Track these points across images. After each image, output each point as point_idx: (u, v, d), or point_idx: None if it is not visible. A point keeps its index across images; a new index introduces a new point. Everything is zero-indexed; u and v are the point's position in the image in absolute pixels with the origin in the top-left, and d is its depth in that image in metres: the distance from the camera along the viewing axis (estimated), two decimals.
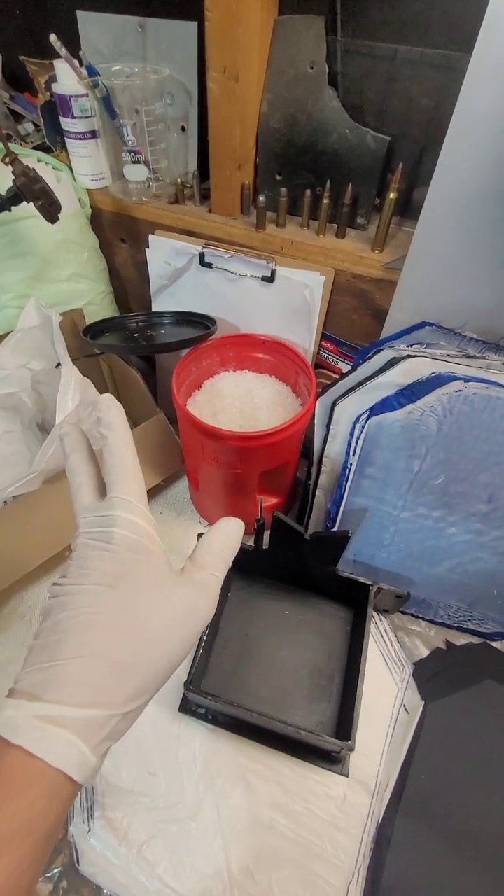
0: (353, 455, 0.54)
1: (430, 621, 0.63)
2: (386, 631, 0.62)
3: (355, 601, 0.61)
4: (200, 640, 0.53)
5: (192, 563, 0.29)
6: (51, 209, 0.49)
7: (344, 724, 0.51)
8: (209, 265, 0.62)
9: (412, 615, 0.63)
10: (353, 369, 0.54)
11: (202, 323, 0.65)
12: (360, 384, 0.53)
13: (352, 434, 0.53)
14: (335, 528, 0.60)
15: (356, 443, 0.53)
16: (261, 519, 0.53)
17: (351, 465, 0.55)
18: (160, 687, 0.25)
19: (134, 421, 0.76)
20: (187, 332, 0.64)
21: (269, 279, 0.59)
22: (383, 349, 0.51)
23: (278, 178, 0.58)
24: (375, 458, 0.54)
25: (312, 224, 0.59)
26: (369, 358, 0.52)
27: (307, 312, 0.61)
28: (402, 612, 0.64)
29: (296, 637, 0.60)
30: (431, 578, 0.59)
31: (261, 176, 0.59)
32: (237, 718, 0.52)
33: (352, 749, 0.46)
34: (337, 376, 0.68)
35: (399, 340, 0.54)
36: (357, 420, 0.53)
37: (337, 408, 0.55)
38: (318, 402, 0.57)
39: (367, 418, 0.52)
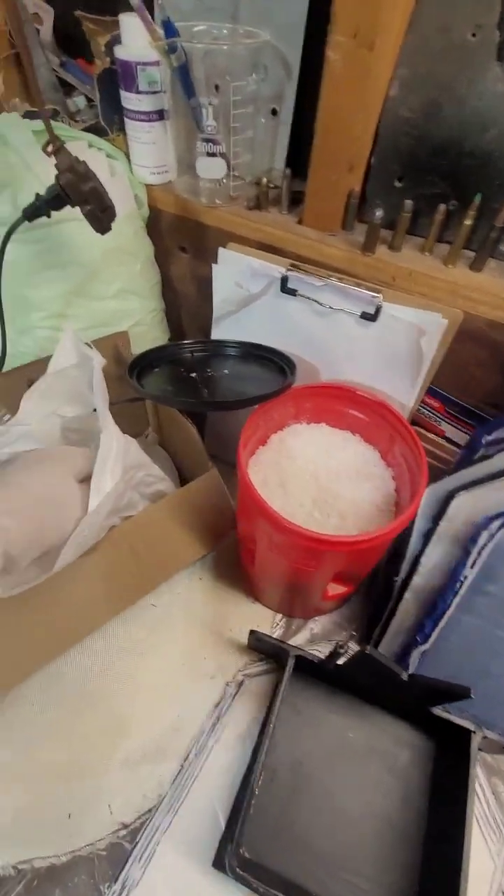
0: (472, 567, 0.41)
1: None
2: (477, 776, 0.49)
3: (440, 730, 0.47)
4: (249, 771, 0.42)
5: None
6: (102, 216, 0.37)
7: None
8: (292, 292, 0.48)
9: None
10: (486, 454, 0.40)
11: (274, 361, 0.52)
12: (495, 478, 0.39)
13: (474, 541, 0.40)
14: (427, 646, 0.46)
15: (478, 553, 0.40)
16: (344, 647, 0.41)
17: (465, 577, 0.41)
18: None
19: (181, 472, 0.63)
20: (257, 373, 0.51)
21: (371, 317, 0.46)
22: None
23: (398, 185, 0.44)
24: (502, 575, 0.40)
25: (437, 249, 0.44)
26: None
27: (414, 361, 0.47)
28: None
29: (362, 771, 0.47)
30: None
31: (374, 181, 0.45)
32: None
33: None
34: (438, 439, 0.54)
35: None
36: (486, 526, 0.39)
37: (454, 502, 0.41)
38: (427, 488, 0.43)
39: (501, 526, 0.38)
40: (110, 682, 0.53)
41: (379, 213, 0.41)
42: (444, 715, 0.44)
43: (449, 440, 0.52)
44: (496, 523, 0.38)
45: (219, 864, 0.43)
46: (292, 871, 0.42)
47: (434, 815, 0.45)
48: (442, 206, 0.41)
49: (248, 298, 0.51)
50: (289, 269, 0.47)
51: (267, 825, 0.45)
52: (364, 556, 0.44)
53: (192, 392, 0.44)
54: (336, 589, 0.52)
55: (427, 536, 0.44)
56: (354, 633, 0.59)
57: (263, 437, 0.52)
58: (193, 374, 0.49)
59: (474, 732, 0.43)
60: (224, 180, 0.49)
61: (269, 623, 0.59)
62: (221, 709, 0.52)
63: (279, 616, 0.60)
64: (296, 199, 0.49)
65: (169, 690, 0.53)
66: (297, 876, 0.42)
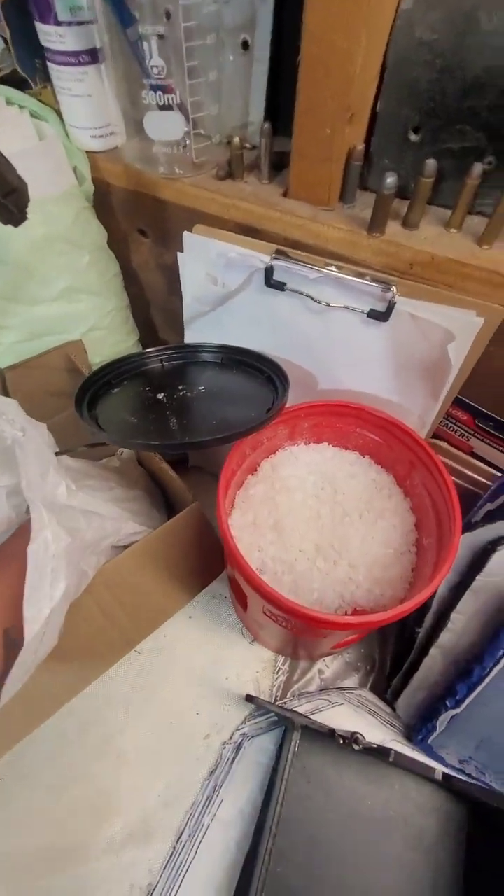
0: None
1: None
2: None
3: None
4: (254, 853, 0.35)
5: None
6: (7, 202, 0.26)
7: None
8: (280, 286, 0.38)
9: None
10: None
11: (261, 370, 0.42)
12: None
13: None
14: (458, 710, 0.39)
15: None
16: (360, 743, 0.33)
17: None
18: None
19: (164, 490, 0.54)
20: (240, 388, 0.41)
21: (381, 315, 0.36)
22: None
23: (414, 138, 0.33)
24: None
25: (469, 224, 0.34)
26: None
27: (438, 370, 0.37)
28: None
29: (383, 847, 0.41)
30: None
31: (382, 134, 0.34)
32: None
33: None
34: (464, 456, 0.45)
35: None
36: None
37: (496, 556, 0.32)
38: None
39: None
40: (88, 749, 0.46)
41: (390, 178, 0.30)
42: (483, 798, 0.37)
43: (477, 456, 0.43)
44: None
45: None
46: None
47: None
48: (477, 167, 0.30)
49: (225, 295, 0.41)
50: (274, 258, 0.37)
51: None
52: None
53: (159, 426, 0.35)
54: (347, 637, 0.44)
55: (457, 590, 0.36)
56: (367, 671, 0.52)
57: (252, 464, 0.43)
58: (161, 396, 0.39)
59: None
60: (184, 141, 0.37)
61: (270, 668, 0.52)
62: (218, 777, 0.45)
63: (282, 659, 0.52)
64: (280, 164, 0.38)
65: (156, 755, 0.46)
66: None
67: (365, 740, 0.33)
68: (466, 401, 0.40)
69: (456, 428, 0.43)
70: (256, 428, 0.34)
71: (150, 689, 0.49)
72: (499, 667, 0.34)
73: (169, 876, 0.41)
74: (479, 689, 0.36)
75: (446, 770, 0.42)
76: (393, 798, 0.43)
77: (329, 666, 0.52)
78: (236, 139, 0.36)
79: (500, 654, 0.33)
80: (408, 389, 0.40)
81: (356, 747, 0.33)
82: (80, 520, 0.35)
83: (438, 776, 0.33)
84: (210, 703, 0.49)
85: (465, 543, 0.34)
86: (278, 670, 0.52)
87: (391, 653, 0.49)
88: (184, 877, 0.41)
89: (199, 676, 0.51)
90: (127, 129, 0.40)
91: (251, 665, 0.52)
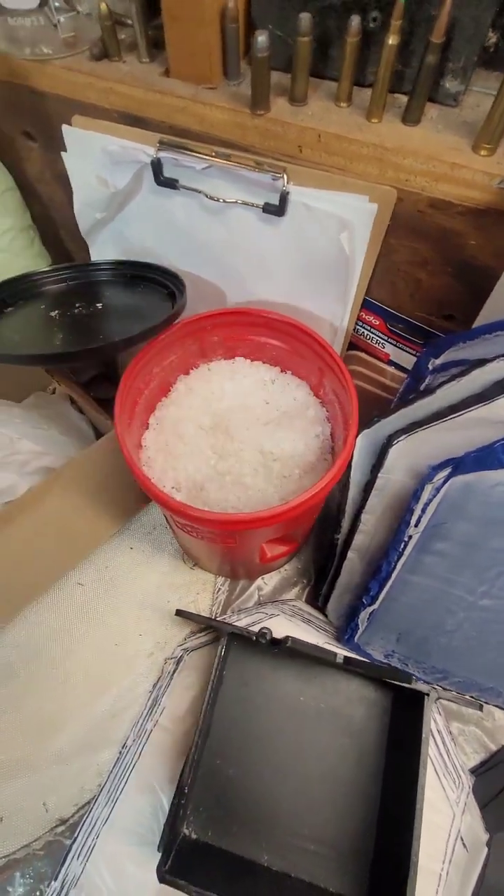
0: (417, 526, 0.33)
1: (498, 707, 0.47)
2: (435, 720, 0.46)
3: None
4: (192, 751, 0.38)
5: None
6: None
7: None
8: (172, 183, 0.35)
9: (472, 697, 0.47)
10: (426, 388, 0.31)
11: (163, 283, 0.40)
12: (439, 417, 0.30)
13: (417, 496, 0.32)
14: (375, 606, 0.40)
15: (422, 511, 0.32)
16: (266, 634, 0.34)
17: (409, 537, 0.34)
18: None
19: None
20: (139, 303, 0.39)
21: (277, 209, 0.33)
22: (492, 361, 0.28)
23: None
24: (453, 532, 0.33)
25: (358, 97, 0.31)
26: (460, 374, 0.29)
27: (340, 267, 0.35)
28: (458, 693, 0.47)
29: (315, 736, 0.44)
30: None
31: None
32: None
33: None
34: (382, 364, 0.44)
35: None
36: (430, 478, 0.31)
37: (393, 450, 0.32)
38: (360, 435, 0.34)
39: (449, 476, 0.30)
40: (36, 676, 0.48)
41: (262, 38, 0.27)
42: (401, 684, 0.39)
43: (395, 364, 0.43)
44: (441, 474, 0.30)
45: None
46: (243, 847, 0.40)
47: (390, 770, 0.42)
48: (355, 20, 0.27)
49: (116, 198, 0.38)
50: (159, 149, 0.34)
51: (214, 801, 0.42)
52: (292, 522, 0.37)
53: (42, 341, 0.33)
54: (276, 550, 0.45)
55: (367, 490, 0.36)
56: (305, 585, 0.54)
57: (164, 384, 0.41)
58: (55, 314, 0.37)
59: (428, 695, 0.39)
60: (47, 13, 0.33)
61: (210, 589, 0.53)
62: (160, 689, 0.47)
63: (221, 580, 0.54)
64: (160, 42, 0.33)
65: (102, 676, 0.48)
66: (248, 851, 0.39)
67: (270, 634, 0.35)
68: (376, 303, 0.39)
69: (371, 335, 0.42)
70: (136, 339, 0.32)
71: (95, 617, 0.51)
72: (402, 561, 0.35)
73: (116, 775, 0.44)
74: (389, 584, 0.38)
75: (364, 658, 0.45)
76: (326, 694, 0.45)
77: (268, 583, 0.54)
78: (103, 5, 0.32)
79: (402, 547, 0.34)
80: (316, 294, 0.39)
81: (262, 640, 0.35)
82: None
83: (340, 660, 0.35)
84: (153, 624, 0.51)
85: (367, 441, 0.34)
86: (218, 590, 0.53)
87: (318, 562, 0.51)
88: (129, 775, 0.43)
89: (140, 602, 0.52)
90: None
91: (192, 588, 0.53)
